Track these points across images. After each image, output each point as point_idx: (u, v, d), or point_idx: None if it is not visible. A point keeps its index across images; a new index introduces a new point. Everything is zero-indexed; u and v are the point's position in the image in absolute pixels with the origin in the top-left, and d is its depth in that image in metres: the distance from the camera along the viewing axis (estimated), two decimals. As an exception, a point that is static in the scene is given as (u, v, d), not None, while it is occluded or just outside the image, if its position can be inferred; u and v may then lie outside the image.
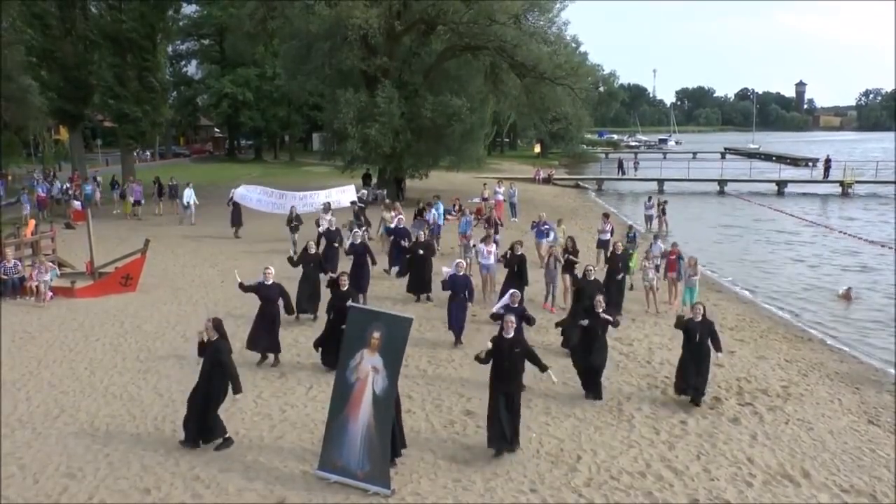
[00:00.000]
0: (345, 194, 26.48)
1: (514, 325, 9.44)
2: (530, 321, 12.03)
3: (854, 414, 11.14)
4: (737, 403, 11.26)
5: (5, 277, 17.11)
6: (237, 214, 26.02)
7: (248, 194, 26.23)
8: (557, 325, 13.35)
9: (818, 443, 9.95)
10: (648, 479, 8.73)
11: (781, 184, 49.25)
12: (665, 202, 30.80)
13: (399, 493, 8.22)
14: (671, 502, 8.24)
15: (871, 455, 9.61)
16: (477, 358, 9.49)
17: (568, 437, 9.80)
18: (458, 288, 14.08)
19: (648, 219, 30.48)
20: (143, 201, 31.43)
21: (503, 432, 9.11)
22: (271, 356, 12.63)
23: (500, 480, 8.60)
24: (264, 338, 12.52)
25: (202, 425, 9.27)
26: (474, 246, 17.82)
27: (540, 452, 9.35)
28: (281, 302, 12.98)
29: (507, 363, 9.17)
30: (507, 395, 9.18)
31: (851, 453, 9.64)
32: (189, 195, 29.11)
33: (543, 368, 9.54)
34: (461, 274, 14.31)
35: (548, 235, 20.57)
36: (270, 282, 12.66)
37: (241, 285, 12.98)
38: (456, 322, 13.92)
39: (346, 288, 12.43)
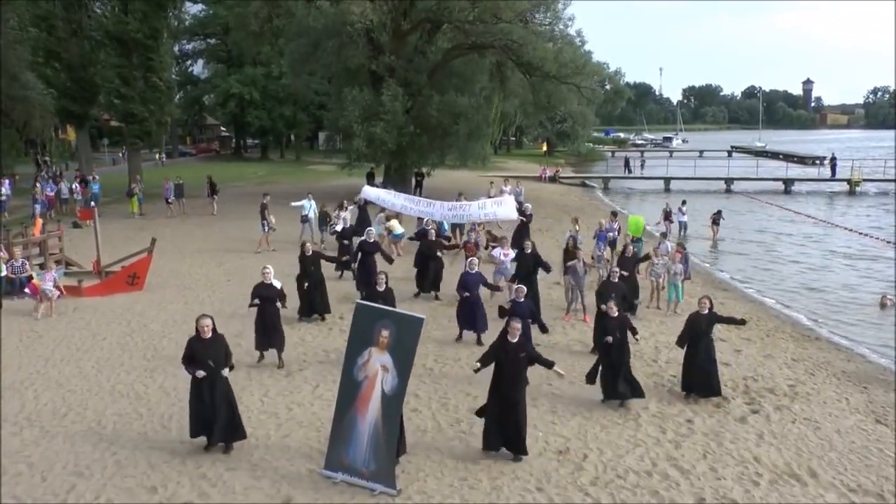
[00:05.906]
0: (501, 207, 20.97)
1: (520, 331, 9.18)
2: (544, 329, 12.24)
3: (861, 413, 11.10)
4: (743, 402, 11.23)
5: (13, 276, 17.18)
6: (365, 217, 23.32)
7: (386, 197, 21.78)
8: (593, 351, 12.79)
9: (825, 442, 9.91)
10: (655, 478, 8.71)
11: (788, 182, 49.13)
12: (720, 211, 29.16)
13: (405, 492, 8.23)
14: (677, 501, 8.22)
15: (878, 454, 9.56)
16: (477, 370, 9.32)
17: (574, 436, 9.79)
18: (471, 286, 13.87)
19: (683, 225, 28.26)
20: (171, 198, 31.31)
21: (497, 437, 9.06)
22: (266, 353, 12.54)
23: (506, 479, 8.59)
24: (269, 337, 12.46)
25: (230, 424, 9.11)
26: (489, 252, 17.64)
27: (546, 451, 9.35)
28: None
29: (512, 368, 9.02)
30: (509, 400, 8.98)
31: (859, 452, 9.60)
32: (309, 207, 24.10)
33: (550, 365, 9.39)
34: (474, 272, 14.15)
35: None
36: (270, 281, 12.49)
37: (252, 304, 12.49)
38: (476, 321, 13.72)
39: (382, 288, 12.42)
